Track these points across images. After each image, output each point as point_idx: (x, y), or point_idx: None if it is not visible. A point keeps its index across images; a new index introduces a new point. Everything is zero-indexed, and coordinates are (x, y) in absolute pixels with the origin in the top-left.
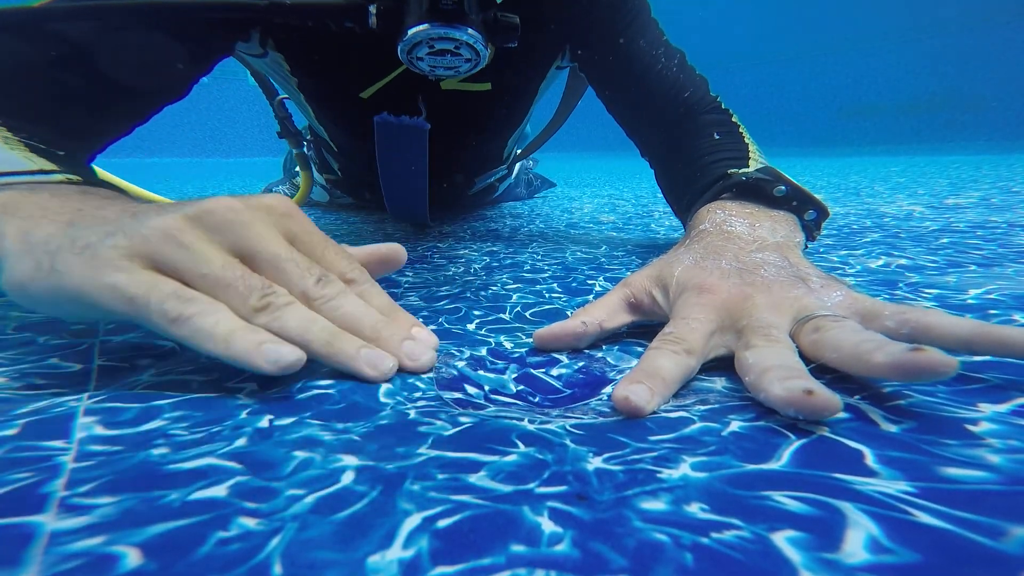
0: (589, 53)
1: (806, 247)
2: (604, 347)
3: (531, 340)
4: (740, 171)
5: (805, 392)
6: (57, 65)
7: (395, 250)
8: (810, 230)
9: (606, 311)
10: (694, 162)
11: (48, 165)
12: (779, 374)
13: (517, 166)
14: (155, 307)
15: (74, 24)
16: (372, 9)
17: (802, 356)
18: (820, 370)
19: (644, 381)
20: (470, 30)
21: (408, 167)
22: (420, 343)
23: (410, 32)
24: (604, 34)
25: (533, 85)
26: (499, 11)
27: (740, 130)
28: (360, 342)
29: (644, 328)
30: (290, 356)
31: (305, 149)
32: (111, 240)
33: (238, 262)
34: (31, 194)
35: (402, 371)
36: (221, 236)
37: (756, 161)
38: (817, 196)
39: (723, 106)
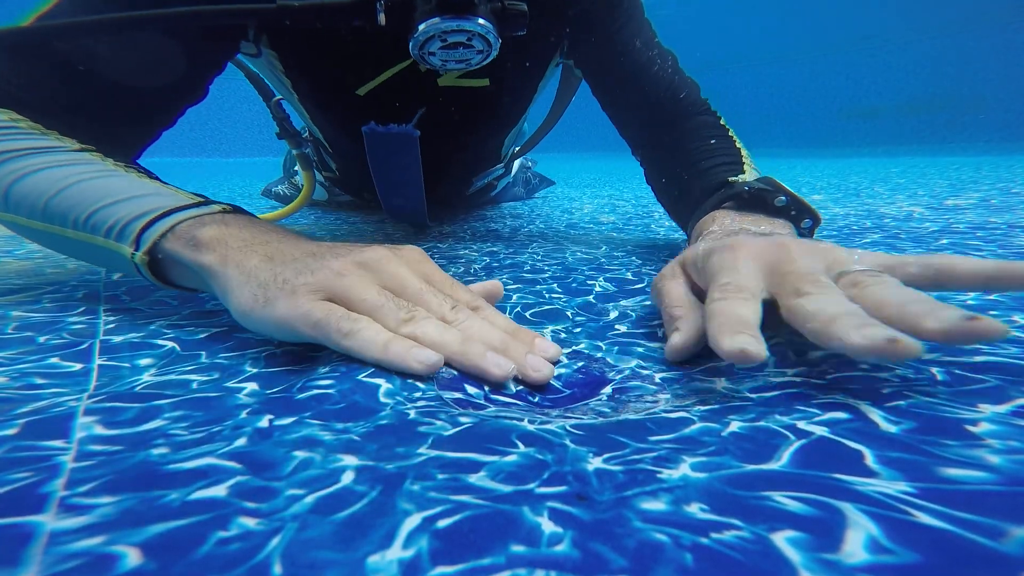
0: (586, 51)
1: None
2: (604, 347)
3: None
4: (740, 179)
5: (889, 341)
6: (87, 80)
7: (497, 286)
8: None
9: (690, 303)
10: (691, 166)
11: (195, 197)
12: (852, 321)
13: (515, 164)
14: (333, 326)
15: (96, 38)
16: (380, 6)
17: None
18: (818, 372)
19: (744, 330)
20: (481, 20)
21: (402, 174)
22: (541, 357)
23: (421, 27)
24: (601, 32)
25: (532, 82)
26: (506, 0)
27: (730, 134)
28: (486, 347)
29: (644, 329)
30: (432, 357)
31: (305, 149)
32: (302, 279)
33: (389, 293)
34: (226, 227)
35: (525, 383)
36: (376, 275)
37: (749, 166)
38: (812, 206)
39: (712, 108)
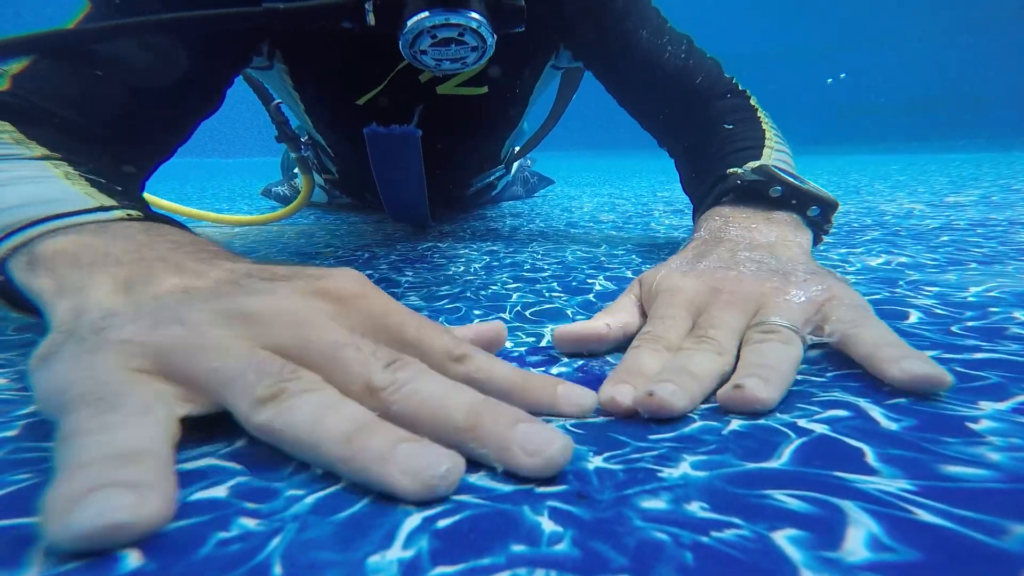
0: (589, 50)
1: (820, 239)
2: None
3: (531, 340)
4: (738, 171)
5: (647, 394)
6: (105, 90)
7: (498, 330)
8: (818, 225)
9: (627, 314)
10: (704, 158)
11: (108, 201)
12: (658, 376)
13: (516, 163)
14: (82, 411)
15: (106, 50)
16: (368, 6)
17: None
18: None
19: (628, 380)
20: (473, 13)
21: (404, 175)
22: (541, 429)
23: (410, 22)
24: (601, 29)
25: (528, 86)
26: None
27: (758, 114)
28: (399, 436)
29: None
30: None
31: (303, 152)
32: (126, 330)
33: (267, 356)
34: (93, 237)
35: (520, 473)
36: (264, 331)
37: (772, 148)
38: (820, 189)
39: (740, 87)
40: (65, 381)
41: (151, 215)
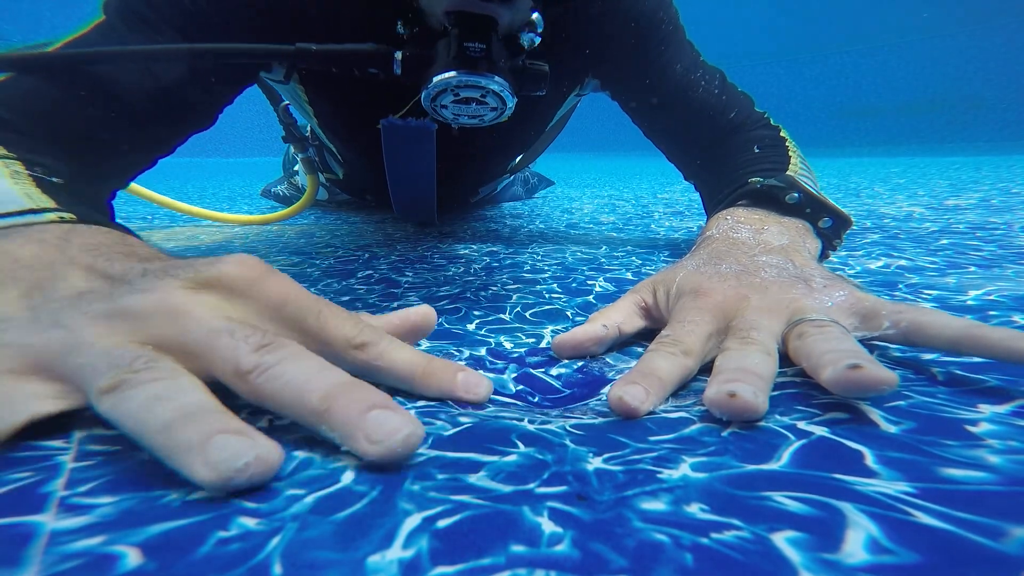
0: (621, 84)
1: (826, 255)
2: None
3: (531, 340)
4: (758, 179)
5: (728, 395)
6: (86, 103)
7: (425, 315)
8: (828, 238)
9: (622, 314)
10: (727, 175)
11: (46, 203)
12: (724, 376)
13: None
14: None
15: (101, 65)
16: (398, 56)
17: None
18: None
19: (640, 382)
20: (497, 78)
21: (416, 169)
22: (391, 417)
23: (435, 80)
24: (635, 65)
25: (550, 113)
26: (528, 59)
27: (787, 144)
28: (217, 428)
29: (644, 329)
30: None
31: (309, 153)
32: (9, 335)
33: (126, 347)
34: (10, 242)
35: (365, 458)
36: (140, 328)
37: (796, 170)
38: (837, 206)
39: (772, 122)
40: None
41: (87, 217)
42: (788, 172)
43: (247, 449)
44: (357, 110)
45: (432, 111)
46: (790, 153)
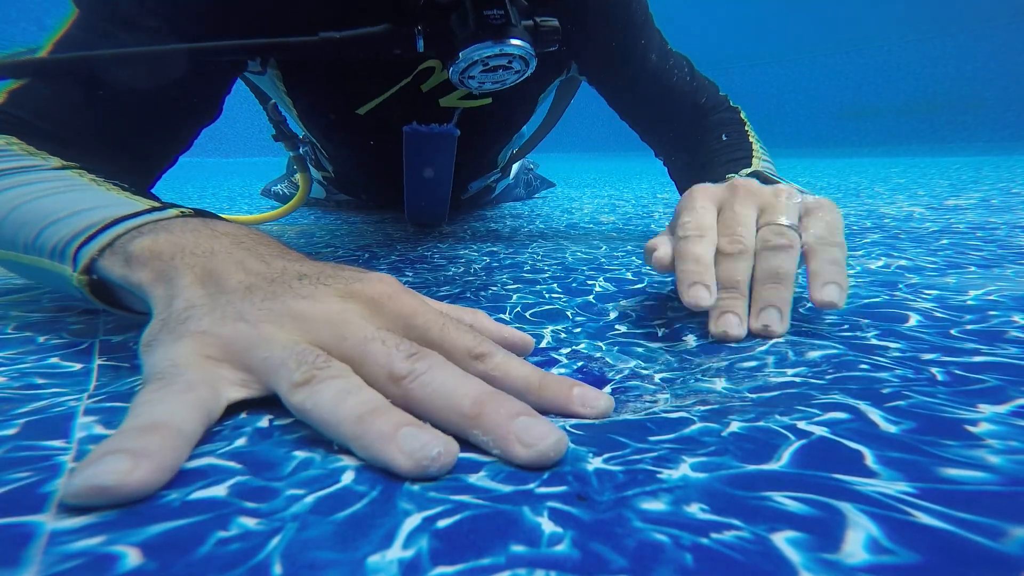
0: (600, 72)
1: None
2: (604, 347)
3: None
4: (732, 175)
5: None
6: (102, 107)
7: (526, 341)
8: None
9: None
10: (703, 165)
11: (155, 203)
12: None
13: (515, 167)
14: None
15: (111, 67)
16: (419, 33)
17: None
18: (819, 374)
19: (698, 279)
20: (518, 41)
21: (434, 173)
22: (539, 423)
23: (462, 54)
24: (614, 53)
25: (534, 98)
26: (538, 16)
27: (746, 128)
28: (404, 419)
29: (644, 329)
30: None
31: (301, 150)
32: (202, 323)
33: (308, 348)
34: (168, 235)
35: (516, 463)
36: (307, 331)
37: (758, 159)
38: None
39: (731, 103)
40: (153, 363)
41: (198, 211)
42: (754, 159)
43: (436, 441)
44: (334, 97)
45: (459, 83)
46: (751, 139)
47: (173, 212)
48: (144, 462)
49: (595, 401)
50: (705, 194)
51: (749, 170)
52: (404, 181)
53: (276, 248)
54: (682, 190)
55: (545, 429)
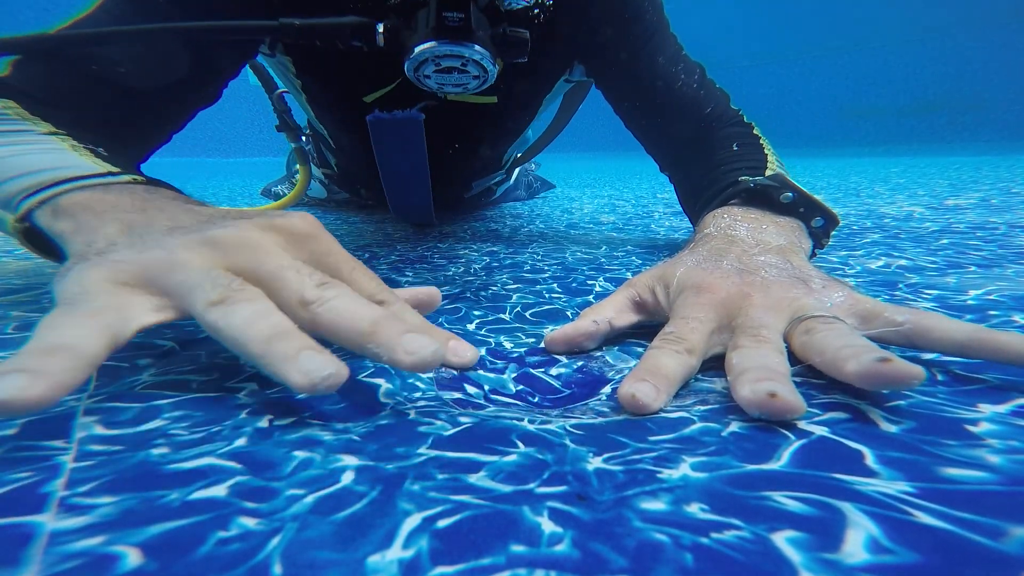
0: (604, 71)
1: (814, 254)
2: (604, 347)
3: (531, 340)
4: (750, 178)
5: (768, 395)
6: (99, 82)
7: (431, 295)
8: (818, 237)
9: (614, 309)
10: (710, 172)
11: (114, 168)
12: (752, 376)
13: (516, 170)
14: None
15: (114, 46)
16: (379, 28)
17: (793, 358)
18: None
19: (648, 379)
20: (477, 47)
21: (407, 164)
22: (426, 337)
23: (416, 50)
24: (619, 52)
25: (539, 97)
26: (509, 26)
27: (760, 141)
28: (305, 343)
29: (644, 328)
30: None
31: (303, 143)
32: (120, 254)
33: (220, 273)
34: (104, 194)
35: (401, 369)
36: (224, 254)
37: (773, 170)
38: (827, 205)
39: (745, 119)
40: (63, 289)
41: (152, 180)
42: (768, 167)
43: (330, 363)
44: (344, 82)
45: (416, 81)
46: (766, 151)
47: (125, 178)
48: (40, 380)
49: (465, 352)
50: (714, 297)
51: (771, 172)
52: (380, 174)
53: (209, 206)
54: (685, 204)
55: (426, 341)
